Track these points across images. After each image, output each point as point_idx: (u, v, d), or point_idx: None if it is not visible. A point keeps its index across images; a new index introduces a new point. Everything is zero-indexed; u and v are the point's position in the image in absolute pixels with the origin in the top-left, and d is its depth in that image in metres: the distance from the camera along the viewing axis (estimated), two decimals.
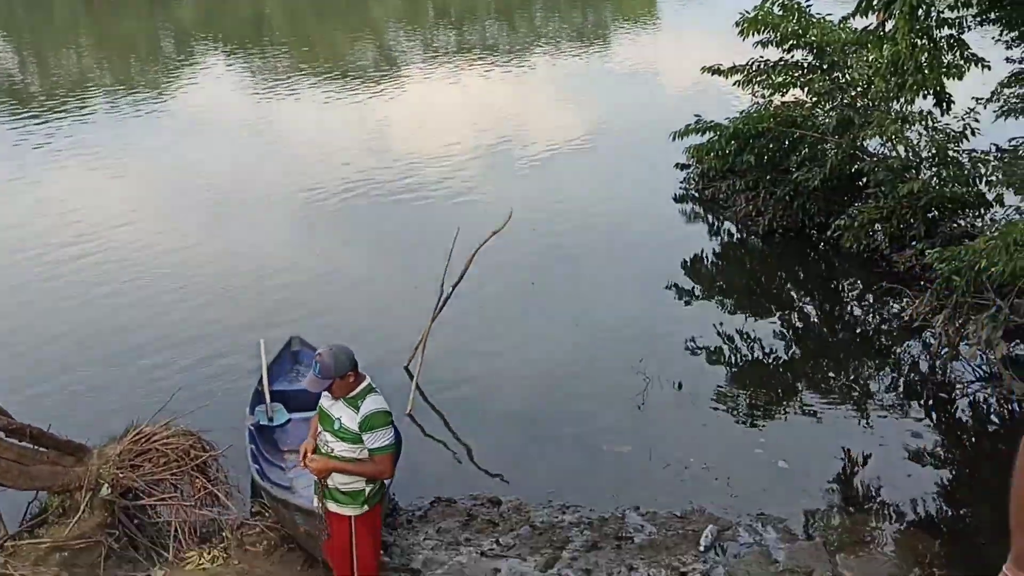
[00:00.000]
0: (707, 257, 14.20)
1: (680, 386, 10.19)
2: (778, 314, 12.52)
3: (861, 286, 13.01)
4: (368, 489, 5.93)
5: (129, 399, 9.30)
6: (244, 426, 8.40)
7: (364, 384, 5.83)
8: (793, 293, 13.68)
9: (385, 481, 6.14)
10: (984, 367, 9.97)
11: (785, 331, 12.02)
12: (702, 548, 7.45)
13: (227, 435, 8.12)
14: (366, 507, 5.95)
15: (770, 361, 11.22)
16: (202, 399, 8.36)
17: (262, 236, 14.90)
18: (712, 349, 11.24)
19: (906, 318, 10.60)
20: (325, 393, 5.90)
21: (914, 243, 11.94)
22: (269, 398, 8.95)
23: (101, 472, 7.31)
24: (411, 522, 7.96)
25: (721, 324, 11.88)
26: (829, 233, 12.89)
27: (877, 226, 12.29)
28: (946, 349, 9.66)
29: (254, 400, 8.95)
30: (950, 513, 8.30)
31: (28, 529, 7.26)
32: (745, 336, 11.58)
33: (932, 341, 10.37)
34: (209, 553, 7.06)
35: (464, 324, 11.29)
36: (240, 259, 14.00)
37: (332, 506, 5.97)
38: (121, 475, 7.26)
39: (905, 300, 10.92)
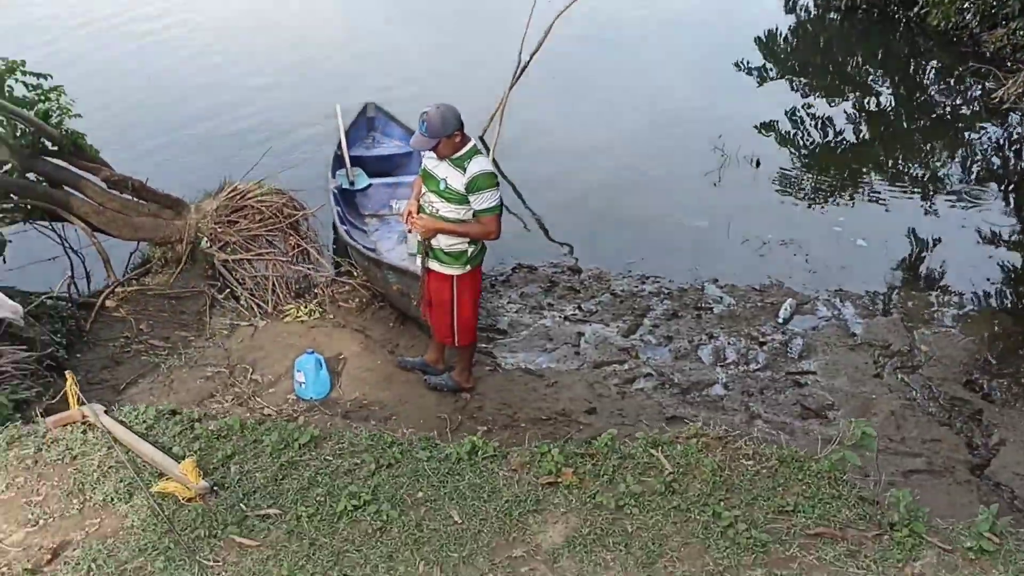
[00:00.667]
0: (781, 34, 13.75)
1: (758, 164, 10.15)
2: (854, 95, 12.25)
3: (943, 68, 12.62)
4: (471, 250, 6.01)
5: (219, 160, 9.40)
6: (328, 189, 8.48)
7: (470, 145, 5.80)
8: (871, 74, 13.28)
9: (487, 243, 6.22)
10: None
11: (860, 113, 11.79)
12: (780, 320, 7.62)
13: (312, 197, 8.25)
14: (468, 267, 6.06)
15: (846, 143, 11.08)
16: (288, 162, 8.40)
17: (337, 4, 14.61)
18: (786, 130, 11.11)
19: (995, 99, 10.30)
20: (429, 154, 5.89)
21: (1007, 22, 11.40)
22: (349, 162, 8.98)
23: (200, 226, 7.50)
24: (494, 286, 8.16)
25: (795, 104, 11.67)
26: (915, 10, 12.36)
27: (968, 3, 11.74)
28: None
29: (334, 164, 9.00)
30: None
31: (135, 277, 7.54)
32: (820, 117, 11.39)
33: (1017, 126, 10.13)
34: (306, 307, 7.30)
35: (540, 99, 11.14)
36: (318, 29, 13.81)
37: (435, 265, 6.07)
38: (219, 230, 7.45)
39: (992, 81, 10.57)
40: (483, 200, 5.73)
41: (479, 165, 5.73)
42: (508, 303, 7.94)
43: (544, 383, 6.78)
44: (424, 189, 5.99)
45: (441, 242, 5.96)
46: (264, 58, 13.18)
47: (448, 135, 5.65)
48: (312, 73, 12.50)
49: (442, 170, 5.81)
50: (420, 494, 3.63)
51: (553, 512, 3.48)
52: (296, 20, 14.61)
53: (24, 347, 5.78)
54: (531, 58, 10.06)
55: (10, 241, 7.15)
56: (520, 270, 8.44)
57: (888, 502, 3.80)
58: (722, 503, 3.69)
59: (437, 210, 5.87)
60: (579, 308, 7.88)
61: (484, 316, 7.66)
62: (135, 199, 7.49)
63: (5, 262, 7.09)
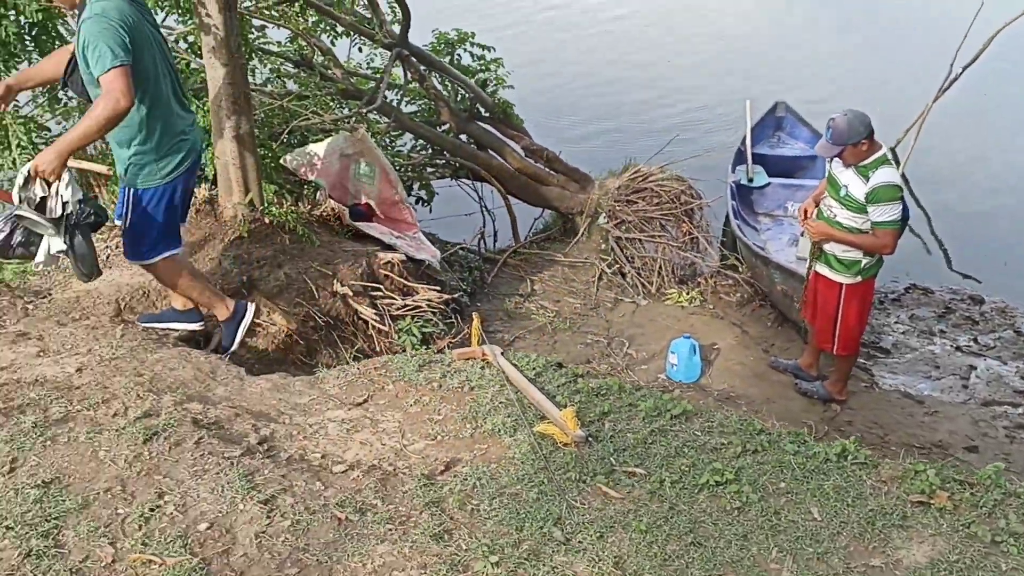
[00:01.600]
0: None
1: None
2: None
3: None
4: (865, 260, 5.84)
5: (627, 141, 9.83)
6: (726, 183, 8.58)
7: (878, 154, 5.62)
8: None
9: (884, 256, 6.02)
10: None
11: None
12: None
13: (709, 188, 8.39)
14: (859, 278, 5.89)
15: None
16: (691, 151, 8.60)
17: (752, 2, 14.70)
18: None
19: None
20: (836, 159, 5.79)
21: None
22: (751, 160, 9.01)
23: (600, 202, 7.92)
24: (883, 303, 7.85)
25: None
26: None
27: None
28: None
29: (736, 159, 9.08)
30: None
31: (536, 241, 8.14)
32: None
33: None
34: (688, 293, 7.48)
35: (965, 115, 10.46)
36: (732, 25, 13.97)
37: (825, 271, 5.97)
38: (618, 208, 7.82)
39: None
40: (882, 212, 5.54)
41: (884, 176, 5.54)
42: (895, 323, 7.60)
43: (923, 410, 6.43)
44: (825, 192, 5.91)
45: (835, 248, 5.85)
46: (682, 49, 13.53)
47: (854, 143, 5.52)
48: (728, 67, 12.65)
49: (845, 176, 5.70)
50: (782, 484, 3.65)
51: (920, 532, 3.36)
52: (719, 13, 14.82)
53: (436, 288, 6.47)
54: (963, 70, 9.46)
55: (437, 193, 8.01)
56: (914, 291, 8.04)
57: None
58: None
59: (835, 215, 5.77)
60: (975, 340, 7.37)
61: (868, 332, 7.39)
62: (547, 169, 8.07)
63: (431, 212, 7.96)
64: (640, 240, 7.85)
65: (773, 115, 9.90)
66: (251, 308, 5.19)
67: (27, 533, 3.24)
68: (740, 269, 7.80)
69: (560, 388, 4.49)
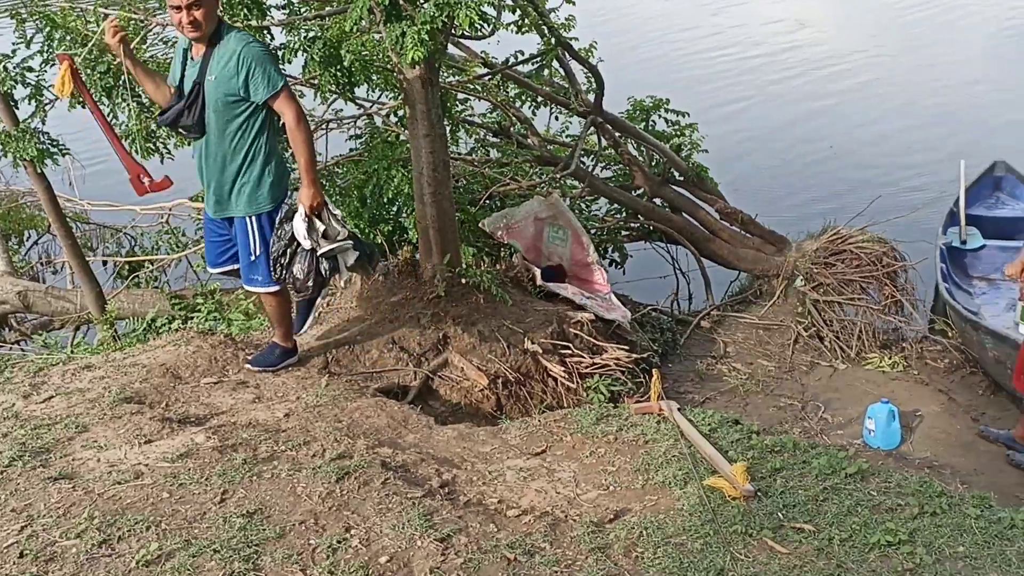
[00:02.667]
0: None
1: None
2: None
3: None
4: None
5: (828, 203, 9.67)
6: (936, 245, 8.26)
7: None
8: None
9: None
10: None
11: None
12: None
13: (917, 250, 8.10)
14: None
15: None
16: (897, 211, 8.35)
17: (968, 54, 14.11)
18: None
19: None
20: None
21: None
22: (964, 221, 8.63)
23: (797, 264, 7.82)
24: None
25: None
26: None
27: None
28: None
29: (948, 221, 8.72)
30: None
31: (730, 303, 8.13)
32: None
33: None
34: (890, 358, 7.23)
35: None
36: (948, 79, 13.50)
37: None
38: (815, 270, 7.69)
39: None
40: None
41: None
42: None
43: None
44: None
45: None
46: (884, 103, 13.17)
47: None
48: (940, 123, 12.19)
49: None
50: (960, 549, 3.51)
51: None
52: (934, 69, 14.30)
53: (626, 348, 6.58)
54: None
55: (631, 256, 8.16)
56: None
57: None
58: None
59: None
60: None
61: None
62: (742, 232, 8.06)
63: (624, 274, 8.11)
64: (839, 303, 7.67)
65: (991, 175, 9.44)
66: (296, 358, 5.52)
67: (231, 556, 3.57)
68: (949, 334, 7.46)
69: (734, 444, 4.50)
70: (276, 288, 5.12)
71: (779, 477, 4.15)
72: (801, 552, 3.60)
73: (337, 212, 5.01)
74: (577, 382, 6.16)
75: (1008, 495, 5.59)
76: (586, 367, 6.28)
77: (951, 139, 11.43)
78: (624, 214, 8.23)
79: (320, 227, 4.84)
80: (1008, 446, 6.21)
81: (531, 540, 3.76)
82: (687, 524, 3.82)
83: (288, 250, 4.88)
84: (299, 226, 4.81)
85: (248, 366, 5.42)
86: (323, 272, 4.93)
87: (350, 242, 4.95)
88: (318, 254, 4.86)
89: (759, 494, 3.99)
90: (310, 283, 4.92)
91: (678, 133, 8.02)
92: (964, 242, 8.51)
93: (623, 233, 8.26)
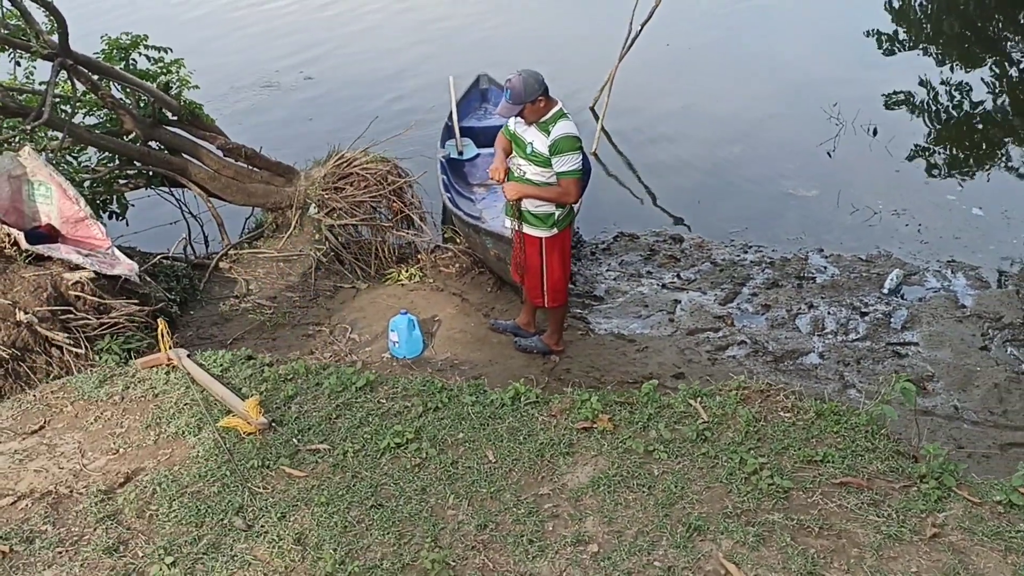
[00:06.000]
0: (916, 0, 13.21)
1: (875, 132, 9.83)
2: (991, 63, 11.66)
3: None
4: (558, 213, 6.08)
5: (329, 128, 9.75)
6: (436, 158, 8.69)
7: (555, 109, 5.87)
8: (1011, 40, 12.60)
9: (574, 207, 6.27)
10: None
11: (997, 82, 11.22)
12: (886, 291, 7.40)
13: (420, 165, 8.48)
14: (555, 229, 6.13)
15: (977, 112, 10.59)
16: (396, 130, 8.63)
17: None
18: (914, 98, 10.69)
19: None
20: (518, 119, 6.00)
21: None
22: (459, 133, 9.16)
23: (308, 192, 7.83)
24: (594, 254, 8.21)
25: (927, 72, 11.21)
26: None
27: None
28: None
29: (444, 134, 9.21)
30: None
31: (247, 241, 7.95)
32: (952, 85, 10.92)
33: None
34: (407, 271, 7.54)
35: (653, 68, 11.11)
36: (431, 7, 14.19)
37: (525, 228, 6.17)
38: (326, 196, 7.76)
39: None
40: (563, 163, 5.79)
41: (563, 128, 5.80)
42: (607, 270, 7.98)
43: (634, 348, 6.80)
44: (513, 153, 6.10)
45: (528, 204, 6.06)
46: (373, 29, 13.63)
47: (531, 101, 5.74)
48: (423, 45, 12.82)
49: (530, 134, 5.92)
50: (461, 435, 3.76)
51: (584, 455, 3.56)
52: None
53: (138, 302, 6.19)
54: (642, 27, 9.99)
55: (132, 205, 7.66)
56: (621, 238, 8.46)
57: (924, 455, 3.71)
58: (751, 451, 3.68)
59: (524, 173, 5.98)
60: (678, 276, 7.86)
61: (581, 282, 7.73)
62: (248, 166, 7.89)
63: (128, 224, 7.61)
64: (354, 225, 7.84)
65: (477, 88, 10.10)
66: None
67: None
68: (457, 240, 7.93)
69: (247, 380, 4.43)
70: None
71: (294, 404, 4.15)
72: (318, 472, 3.64)
73: None
74: (86, 347, 5.70)
75: (517, 376, 6.11)
76: (95, 329, 5.83)
77: (436, 60, 12.07)
78: (118, 162, 7.66)
79: None
80: (515, 334, 6.79)
81: (29, 526, 3.42)
82: (203, 470, 3.70)
83: None
84: None
85: None
86: None
87: None
88: None
89: (274, 424, 3.96)
90: None
91: (163, 71, 7.56)
92: (461, 153, 9.03)
93: (120, 182, 7.70)
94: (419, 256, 7.89)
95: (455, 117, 9.26)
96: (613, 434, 3.67)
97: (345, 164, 7.91)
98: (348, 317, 7.03)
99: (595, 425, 3.72)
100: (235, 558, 3.17)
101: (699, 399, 3.97)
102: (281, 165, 7.99)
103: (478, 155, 9.05)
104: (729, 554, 3.17)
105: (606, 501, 3.32)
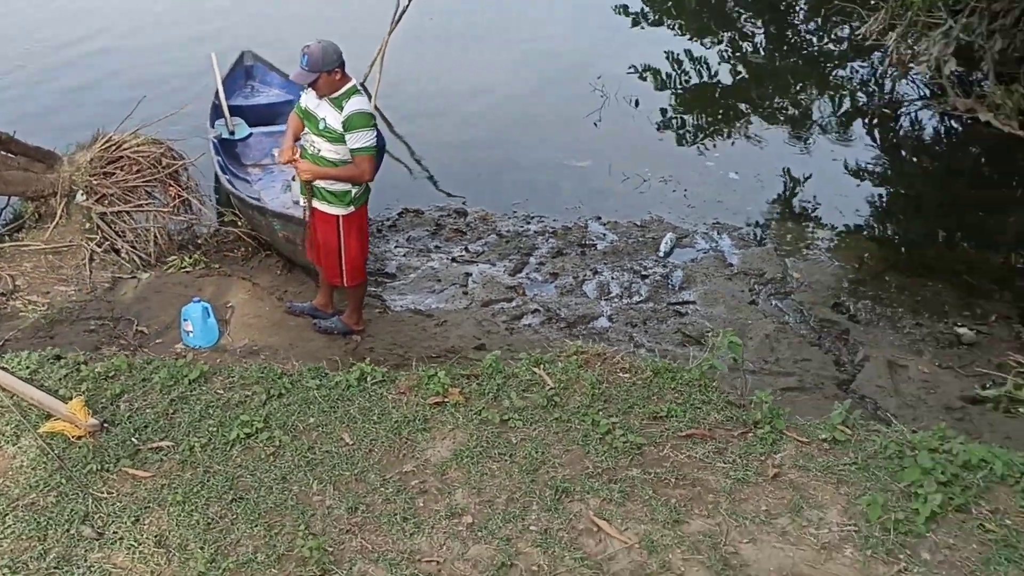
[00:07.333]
0: None
1: (637, 103, 10.40)
2: (727, 37, 12.59)
3: (811, 6, 13.08)
4: (355, 190, 6.03)
5: (90, 110, 9.13)
6: (208, 139, 8.34)
7: (350, 85, 5.81)
8: (744, 16, 13.63)
9: (370, 184, 6.24)
10: (929, 86, 10.40)
11: (734, 53, 12.14)
12: (661, 253, 7.88)
13: (195, 148, 8.12)
14: (352, 207, 6.07)
15: (719, 82, 11.41)
16: (164, 111, 8.20)
17: None
18: (662, 72, 11.38)
19: (859, 36, 10.72)
20: (309, 94, 5.88)
21: None
22: (228, 112, 8.84)
23: (74, 179, 7.31)
24: (381, 231, 8.20)
25: (672, 46, 11.96)
26: None
27: None
28: (895, 68, 9.91)
29: (213, 114, 8.83)
30: (886, 222, 8.87)
31: (7, 233, 7.32)
32: (695, 59, 11.70)
33: (880, 62, 10.59)
34: (190, 257, 7.23)
35: (421, 43, 11.17)
36: None
37: (321, 206, 6.07)
38: (95, 182, 7.28)
39: (856, 21, 11.00)
40: (357, 139, 5.75)
41: (356, 104, 5.75)
42: (395, 247, 8.00)
43: (434, 323, 6.88)
44: (306, 129, 5.98)
45: (323, 182, 5.97)
46: (130, 7, 12.86)
47: (328, 71, 5.64)
48: (183, 22, 12.23)
49: (322, 109, 5.82)
50: (311, 420, 3.71)
51: (441, 429, 3.61)
52: None
53: None
54: (409, 2, 9.98)
55: None
56: (406, 214, 8.50)
57: (752, 403, 4.07)
58: (600, 412, 3.90)
59: (319, 150, 5.88)
60: (466, 249, 8.00)
61: (372, 261, 7.69)
62: (2, 152, 7.25)
63: None
64: (128, 212, 7.40)
65: (242, 65, 9.74)
66: None
67: None
68: (240, 223, 7.67)
69: (63, 380, 4.14)
70: None
71: (122, 402, 3.93)
72: (166, 470, 3.49)
73: None
74: None
75: (320, 358, 6.02)
76: None
77: (202, 38, 11.51)
78: None
79: None
80: (313, 316, 6.68)
81: None
82: (33, 480, 3.44)
83: None
84: None
85: None
86: None
87: None
88: None
89: (106, 425, 3.73)
90: None
91: None
92: (232, 133, 8.72)
93: None
94: (200, 241, 7.58)
95: (222, 96, 8.91)
96: (466, 406, 3.74)
97: (114, 147, 7.44)
98: (132, 309, 6.65)
99: (447, 399, 3.78)
100: (92, 568, 2.98)
101: (542, 366, 4.12)
102: (40, 150, 7.39)
103: (250, 134, 8.77)
104: (599, 511, 3.36)
105: (471, 472, 3.40)
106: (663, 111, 10.49)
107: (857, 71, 11.42)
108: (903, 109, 10.52)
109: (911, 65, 9.68)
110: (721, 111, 10.80)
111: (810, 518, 3.62)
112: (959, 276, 7.58)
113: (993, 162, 9.44)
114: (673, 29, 12.95)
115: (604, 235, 8.21)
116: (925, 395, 6.16)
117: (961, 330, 6.91)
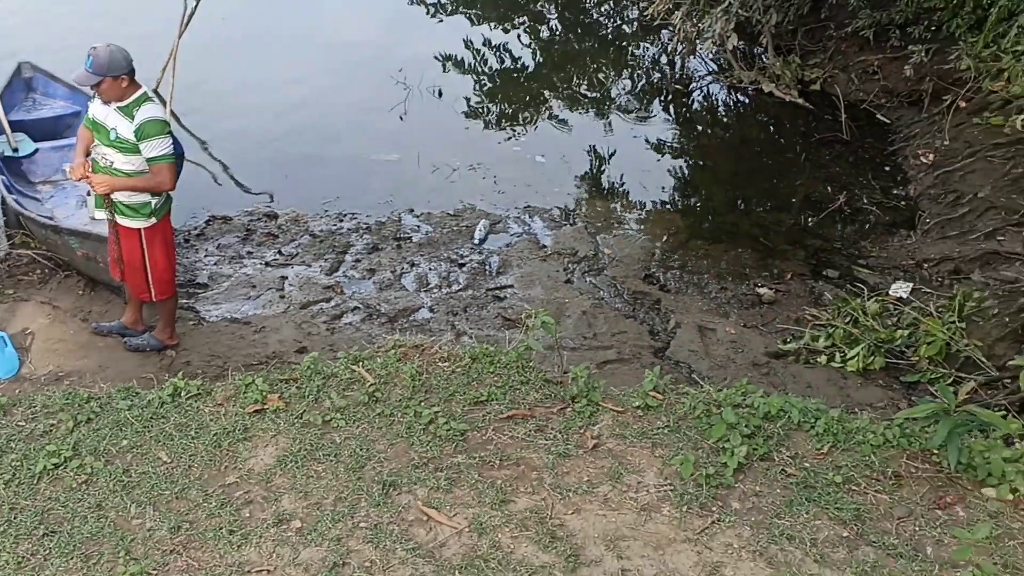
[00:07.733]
0: None
1: (440, 94, 10.45)
2: (523, 24, 12.80)
3: None
4: (154, 201, 5.80)
5: None
6: None
7: (139, 92, 5.57)
8: (538, 3, 13.88)
9: (171, 193, 6.02)
10: (716, 61, 10.93)
11: (531, 40, 12.36)
12: (476, 241, 7.97)
13: None
14: (154, 219, 5.85)
15: (520, 68, 11.61)
16: None
17: None
18: (464, 60, 11.48)
19: (647, 17, 11.11)
20: (96, 104, 5.62)
21: None
22: (9, 128, 8.32)
23: None
24: (188, 241, 7.94)
25: (471, 35, 12.08)
26: None
27: None
28: (683, 45, 10.34)
29: None
30: (688, 193, 9.28)
31: None
32: (494, 47, 11.86)
33: (670, 40, 11.00)
34: None
35: (215, 45, 10.85)
36: None
37: (121, 221, 5.81)
38: None
39: (644, 1, 11.42)
40: (153, 148, 5.53)
41: (148, 112, 5.53)
42: (205, 256, 7.77)
43: (252, 330, 6.72)
44: (95, 141, 5.71)
45: (121, 195, 5.72)
46: None
47: (114, 76, 5.40)
48: None
49: (112, 119, 5.57)
50: (125, 442, 3.57)
51: (262, 437, 3.54)
52: None
53: None
54: (198, 2, 9.65)
55: None
56: (214, 222, 8.25)
57: (570, 379, 4.19)
58: (422, 403, 3.94)
59: (112, 163, 5.63)
60: (279, 253, 7.85)
61: (181, 272, 7.44)
62: None
63: None
64: None
65: (20, 77, 9.16)
66: None
67: None
68: (33, 245, 7.25)
69: None
70: None
71: None
72: None
73: None
74: None
75: (134, 378, 5.79)
76: None
77: None
78: None
79: None
80: (122, 335, 6.41)
81: None
82: None
83: None
84: None
85: None
86: None
87: None
88: None
89: None
90: None
91: None
92: (16, 150, 8.22)
93: None
94: None
95: (0, 111, 8.37)
96: (287, 411, 3.67)
97: None
98: None
99: (267, 406, 3.70)
100: None
101: (361, 363, 4.09)
102: None
103: (36, 150, 8.28)
104: (427, 500, 3.37)
105: (297, 477, 3.35)
106: (467, 100, 10.60)
107: (649, 50, 11.87)
108: (694, 84, 11.02)
109: (697, 42, 10.12)
110: (524, 96, 10.99)
111: (629, 483, 3.78)
112: (757, 240, 8.01)
113: (779, 129, 10.01)
114: (470, 18, 13.05)
115: (419, 227, 8.22)
116: (734, 354, 6.50)
117: (761, 290, 7.33)
